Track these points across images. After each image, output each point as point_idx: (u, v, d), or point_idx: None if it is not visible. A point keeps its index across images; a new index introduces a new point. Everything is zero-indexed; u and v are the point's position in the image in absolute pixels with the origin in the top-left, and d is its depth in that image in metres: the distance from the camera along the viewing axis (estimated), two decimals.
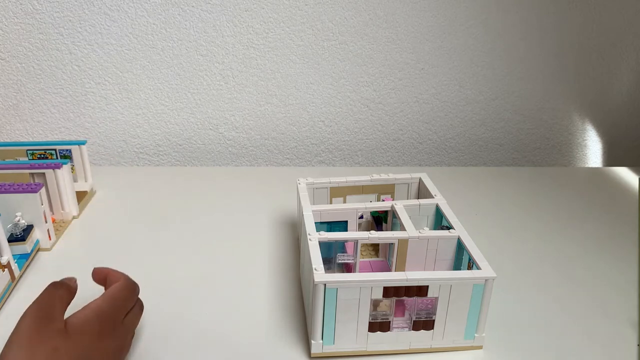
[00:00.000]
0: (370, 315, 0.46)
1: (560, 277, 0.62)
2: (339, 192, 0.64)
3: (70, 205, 0.71)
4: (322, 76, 0.94)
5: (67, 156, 0.75)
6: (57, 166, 0.67)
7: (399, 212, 0.55)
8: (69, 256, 0.64)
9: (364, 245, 0.65)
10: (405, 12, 0.90)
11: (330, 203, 0.64)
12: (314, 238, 0.50)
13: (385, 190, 0.65)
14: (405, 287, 0.45)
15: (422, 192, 0.65)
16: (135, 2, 0.86)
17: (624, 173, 0.93)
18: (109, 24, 0.87)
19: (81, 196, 0.75)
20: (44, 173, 0.67)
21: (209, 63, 0.91)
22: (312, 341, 0.47)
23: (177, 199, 0.78)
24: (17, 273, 0.57)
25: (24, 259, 0.60)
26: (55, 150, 0.75)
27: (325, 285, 0.44)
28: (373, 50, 0.93)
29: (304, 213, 0.55)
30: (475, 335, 0.49)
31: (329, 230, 0.58)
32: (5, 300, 0.55)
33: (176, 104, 0.94)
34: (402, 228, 0.53)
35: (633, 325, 0.54)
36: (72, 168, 0.75)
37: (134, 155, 0.97)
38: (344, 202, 0.65)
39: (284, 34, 0.90)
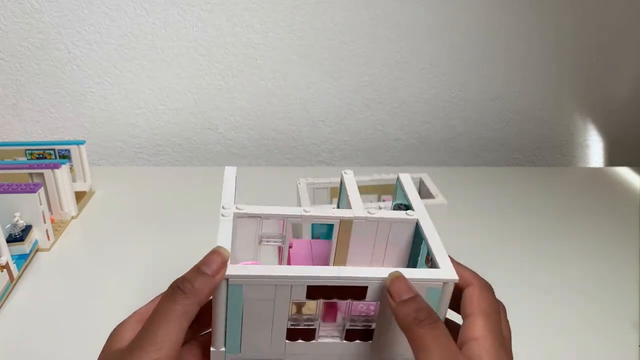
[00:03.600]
0: (289, 320, 0.35)
1: (561, 277, 0.62)
2: (339, 192, 0.64)
3: (69, 205, 0.71)
4: (322, 76, 0.94)
5: (65, 156, 0.75)
6: (56, 166, 0.67)
7: (347, 184, 0.43)
8: (68, 256, 0.64)
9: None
10: (405, 12, 0.90)
11: (331, 203, 0.64)
12: (227, 213, 0.38)
13: (386, 190, 0.65)
14: (338, 287, 0.34)
15: (422, 192, 0.64)
16: (135, 2, 0.85)
17: (626, 173, 0.92)
18: (109, 24, 0.87)
19: (80, 196, 0.75)
20: (42, 173, 0.67)
21: (209, 63, 0.91)
22: (212, 348, 0.35)
23: (176, 199, 0.78)
24: (15, 273, 0.57)
25: (23, 260, 0.60)
26: (54, 150, 0.75)
27: (227, 280, 0.33)
28: (373, 50, 0.92)
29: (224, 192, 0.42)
30: None
31: (327, 231, 0.56)
32: (4, 301, 0.55)
33: (176, 104, 0.93)
34: (349, 205, 0.41)
35: (634, 326, 0.54)
36: (71, 168, 0.75)
37: (133, 155, 0.97)
38: None
39: (284, 33, 0.90)
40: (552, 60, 0.97)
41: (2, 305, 0.54)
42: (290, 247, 0.43)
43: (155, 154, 0.97)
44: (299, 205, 0.60)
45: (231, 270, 0.33)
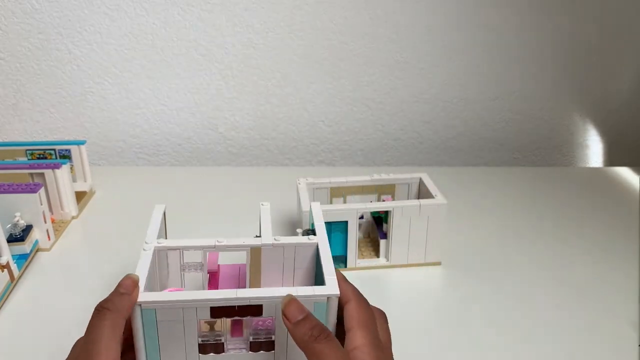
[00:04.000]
0: (200, 337, 0.41)
1: (561, 277, 0.62)
2: (339, 192, 0.64)
3: (70, 205, 0.71)
4: (322, 76, 0.94)
5: (66, 156, 0.75)
6: (57, 166, 0.67)
7: (261, 215, 0.50)
8: (68, 256, 0.64)
9: (364, 245, 0.65)
10: (405, 12, 0.90)
11: (330, 203, 0.64)
12: (148, 247, 0.44)
13: (386, 190, 0.65)
14: (237, 306, 0.39)
15: (422, 192, 0.64)
16: (135, 2, 0.85)
17: (626, 173, 0.92)
18: (109, 24, 0.87)
19: (80, 196, 0.75)
20: (43, 173, 0.67)
21: (209, 63, 0.91)
22: None
23: (176, 199, 0.78)
24: (16, 273, 0.57)
25: (23, 259, 0.60)
26: (54, 150, 0.75)
27: (140, 306, 0.38)
28: (373, 50, 0.93)
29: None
30: None
31: (329, 230, 0.58)
32: (5, 301, 0.55)
33: (176, 104, 0.94)
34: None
35: (633, 326, 0.54)
36: (71, 168, 0.75)
37: (133, 155, 0.97)
38: (344, 202, 0.65)
39: (284, 33, 0.90)
40: (551, 60, 0.97)
41: (2, 305, 0.54)
42: (215, 272, 0.51)
43: (156, 154, 0.97)
44: (299, 205, 0.60)
45: (143, 297, 0.38)
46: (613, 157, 1.07)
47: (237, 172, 0.92)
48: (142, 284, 0.39)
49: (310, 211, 0.51)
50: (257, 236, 0.48)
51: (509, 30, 0.93)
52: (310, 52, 0.92)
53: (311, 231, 0.49)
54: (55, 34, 0.87)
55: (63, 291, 0.57)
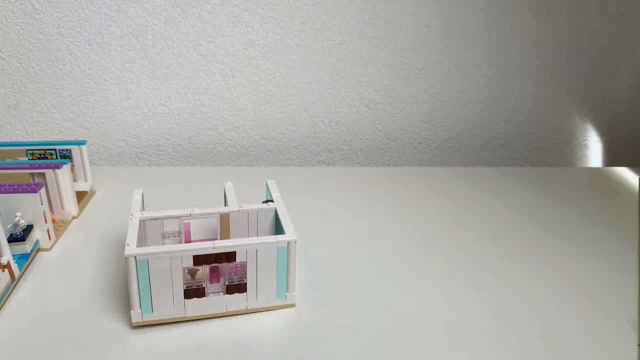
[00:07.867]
0: (184, 283, 0.49)
1: (560, 277, 0.62)
2: None
3: (70, 205, 0.71)
4: (322, 76, 0.94)
5: (67, 156, 0.75)
6: (57, 166, 0.67)
7: (227, 192, 0.60)
8: (69, 256, 0.64)
9: None
10: (405, 12, 0.90)
11: None
12: (134, 217, 0.54)
13: None
14: (215, 254, 0.48)
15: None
16: (135, 2, 0.86)
17: (625, 173, 0.92)
18: (109, 24, 0.87)
19: (81, 196, 0.75)
20: (43, 173, 0.67)
21: (209, 63, 0.91)
22: (132, 311, 0.49)
23: (177, 199, 0.78)
24: (17, 273, 0.57)
25: (24, 259, 0.60)
26: (55, 150, 0.75)
27: (135, 257, 0.46)
28: (373, 50, 0.93)
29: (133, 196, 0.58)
30: (287, 294, 0.53)
31: None
32: (5, 301, 0.55)
33: (176, 104, 0.94)
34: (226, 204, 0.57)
35: (633, 326, 0.54)
36: (72, 168, 0.75)
37: (133, 155, 0.97)
38: None
39: (284, 34, 0.90)
40: (551, 60, 0.97)
41: (3, 305, 0.54)
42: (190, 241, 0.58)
43: (156, 154, 0.98)
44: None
45: (137, 250, 0.46)
46: (612, 157, 1.08)
47: (237, 172, 0.92)
48: (132, 243, 0.47)
49: (267, 186, 0.61)
50: (264, 201, 0.59)
51: (509, 31, 0.93)
52: (310, 52, 0.92)
53: (270, 201, 0.58)
54: (55, 34, 0.87)
55: (63, 291, 0.57)
